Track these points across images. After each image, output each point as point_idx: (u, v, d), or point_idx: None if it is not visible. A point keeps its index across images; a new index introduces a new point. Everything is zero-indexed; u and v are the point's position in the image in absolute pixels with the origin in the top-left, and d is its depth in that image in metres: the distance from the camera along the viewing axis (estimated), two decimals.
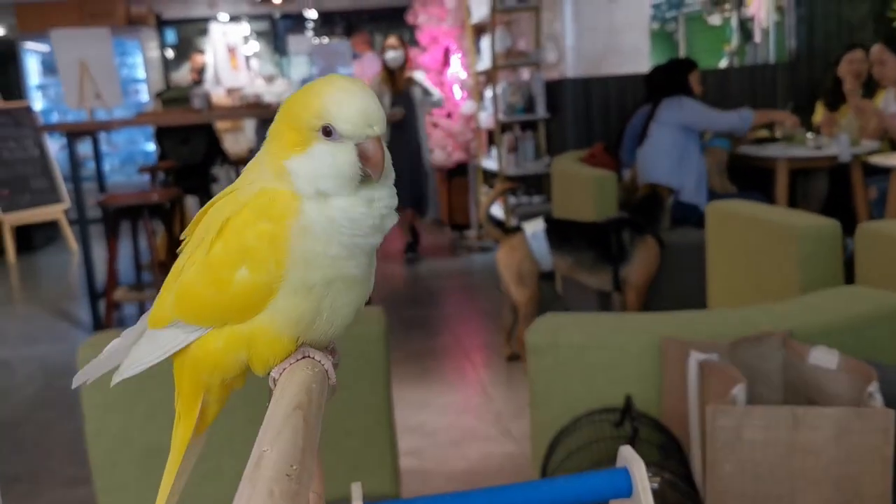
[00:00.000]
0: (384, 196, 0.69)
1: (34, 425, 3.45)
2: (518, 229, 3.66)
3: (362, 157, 0.67)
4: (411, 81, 5.90)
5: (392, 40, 5.79)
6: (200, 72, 9.08)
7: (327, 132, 0.66)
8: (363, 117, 0.66)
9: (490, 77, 5.96)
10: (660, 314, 1.90)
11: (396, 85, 5.82)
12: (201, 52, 9.60)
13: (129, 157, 10.65)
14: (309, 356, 0.69)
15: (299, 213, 0.67)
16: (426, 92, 6.00)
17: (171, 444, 0.74)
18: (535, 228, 3.58)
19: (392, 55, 5.76)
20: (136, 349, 0.74)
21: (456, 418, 3.26)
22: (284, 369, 0.68)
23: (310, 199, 0.67)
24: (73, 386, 0.78)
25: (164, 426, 1.76)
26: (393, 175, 0.71)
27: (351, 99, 0.66)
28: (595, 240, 3.62)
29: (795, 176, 4.56)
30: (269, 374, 0.70)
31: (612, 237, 3.59)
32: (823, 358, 1.50)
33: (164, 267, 4.67)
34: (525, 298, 3.59)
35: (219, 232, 0.69)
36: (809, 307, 1.85)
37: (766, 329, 1.67)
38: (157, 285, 4.34)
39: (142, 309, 4.84)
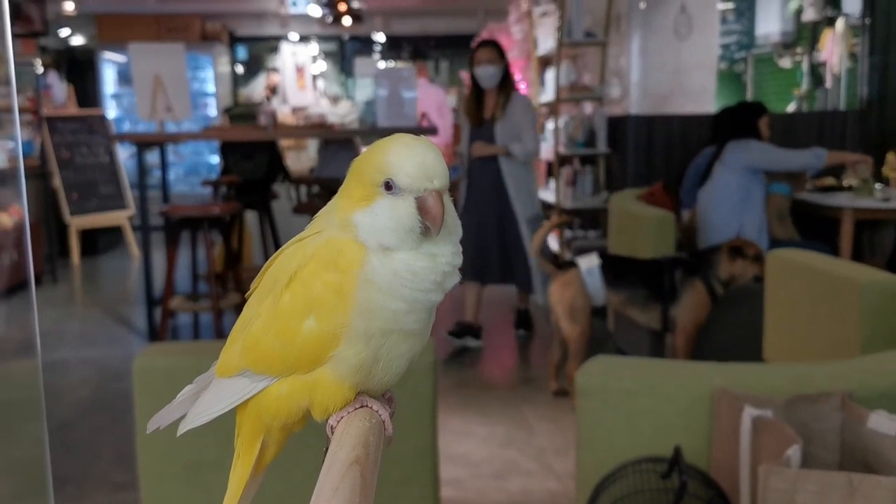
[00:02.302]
0: (446, 253, 0.70)
1: (86, 428, 3.52)
2: (572, 264, 3.64)
3: (421, 210, 0.68)
4: (521, 105, 4.55)
5: (485, 52, 4.51)
6: (274, 90, 9.28)
7: (388, 186, 0.68)
8: (422, 171, 0.68)
9: (553, 109, 5.96)
10: (713, 364, 1.86)
11: (486, 110, 4.57)
12: (276, 70, 9.80)
13: (194, 168, 10.91)
14: (367, 405, 0.70)
15: (365, 264, 0.68)
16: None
17: (228, 483, 0.75)
18: (590, 264, 3.55)
19: (483, 71, 4.50)
20: (204, 398, 0.75)
21: (498, 450, 3.23)
22: (342, 417, 0.69)
23: (375, 251, 0.69)
24: (147, 432, 0.80)
25: (210, 443, 1.79)
26: (459, 233, 0.72)
27: (410, 153, 0.68)
28: (648, 277, 3.58)
29: (862, 227, 4.45)
30: (327, 420, 0.70)
31: (665, 275, 3.54)
32: (884, 423, 1.45)
33: (219, 278, 4.76)
34: (576, 334, 3.56)
35: (287, 283, 0.70)
36: (871, 368, 1.79)
37: (824, 388, 1.62)
38: (211, 296, 4.42)
39: (196, 319, 4.93)
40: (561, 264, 3.72)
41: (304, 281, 0.69)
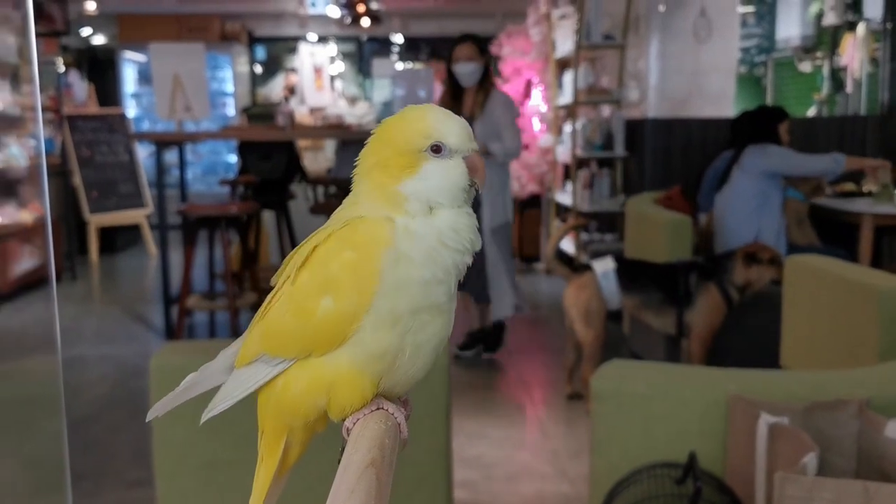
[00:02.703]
0: (472, 213, 0.72)
1: (103, 424, 3.55)
2: (587, 267, 3.63)
3: (470, 168, 0.71)
4: (501, 102, 4.26)
5: (465, 49, 4.20)
6: (292, 90, 9.31)
7: (436, 149, 0.70)
8: (466, 131, 0.71)
9: (570, 112, 5.95)
10: (729, 370, 1.85)
11: (464, 109, 4.27)
12: (295, 71, 9.84)
13: (212, 167, 10.97)
14: (383, 408, 0.70)
15: (392, 241, 0.68)
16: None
17: (253, 485, 0.75)
18: (605, 267, 3.54)
19: (463, 69, 4.21)
20: (224, 387, 0.75)
21: (512, 453, 3.23)
22: (358, 419, 0.69)
23: (414, 218, 0.69)
24: (147, 419, 0.80)
25: (226, 442, 1.79)
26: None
27: (451, 117, 0.71)
28: (663, 281, 3.57)
29: (881, 234, 4.41)
30: (343, 421, 0.70)
31: (680, 280, 3.53)
32: None
33: (236, 278, 4.78)
34: (591, 338, 3.55)
35: (304, 262, 0.70)
36: (889, 375, 1.78)
37: (841, 395, 1.61)
38: (228, 295, 4.44)
39: (212, 317, 4.96)
40: (576, 267, 3.71)
41: (321, 260, 0.69)
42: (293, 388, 0.71)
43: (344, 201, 0.74)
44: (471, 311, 4.50)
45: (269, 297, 0.75)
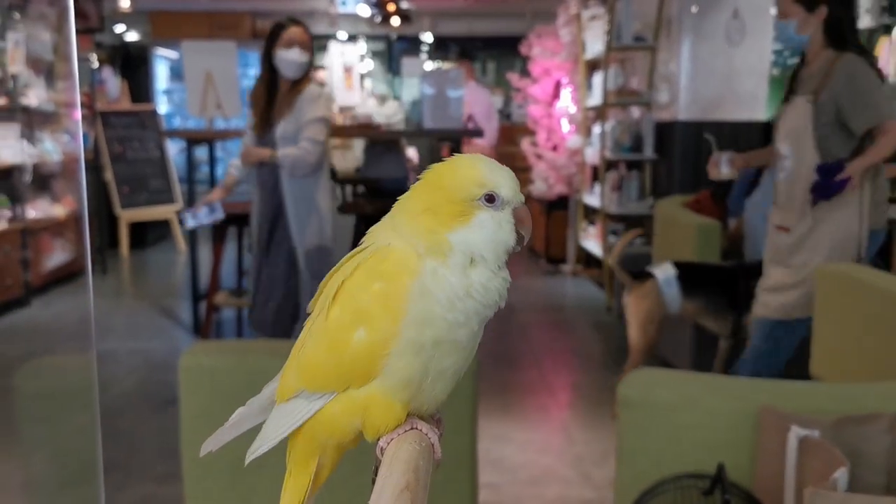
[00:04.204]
0: (507, 276, 0.72)
1: (131, 418, 3.59)
2: (648, 274, 3.56)
3: (518, 221, 0.71)
4: (309, 98, 3.49)
5: (299, 32, 3.51)
6: (321, 85, 9.30)
7: (490, 199, 0.70)
8: (516, 184, 0.71)
9: (600, 113, 5.92)
10: (759, 380, 1.83)
11: (276, 109, 3.52)
12: (323, 67, 9.82)
13: None
14: (417, 428, 0.70)
15: (420, 274, 0.68)
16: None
17: (280, 500, 0.76)
18: (666, 273, 3.50)
19: (293, 56, 3.46)
20: (267, 426, 0.76)
21: (536, 456, 3.22)
22: (392, 439, 0.69)
23: (449, 268, 0.69)
24: (201, 455, 0.81)
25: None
26: None
27: (502, 169, 0.71)
28: (725, 285, 3.52)
29: None
30: (377, 441, 0.71)
31: (741, 283, 3.48)
32: None
33: None
34: (642, 345, 3.51)
35: (335, 296, 0.71)
36: None
37: (873, 409, 1.59)
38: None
39: (240, 314, 5.00)
40: (636, 275, 3.62)
41: (350, 293, 0.70)
42: (328, 410, 0.72)
43: (382, 222, 0.74)
44: None
45: (305, 326, 0.75)
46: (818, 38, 2.82)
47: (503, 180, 0.70)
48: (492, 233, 0.70)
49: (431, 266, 0.69)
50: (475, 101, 7.54)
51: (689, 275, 3.53)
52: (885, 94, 2.75)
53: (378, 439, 0.71)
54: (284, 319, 3.59)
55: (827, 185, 2.71)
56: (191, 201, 4.90)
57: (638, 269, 3.68)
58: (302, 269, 3.56)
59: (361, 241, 0.75)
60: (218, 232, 4.53)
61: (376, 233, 0.74)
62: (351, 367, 0.69)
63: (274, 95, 3.53)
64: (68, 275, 6.30)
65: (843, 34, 2.77)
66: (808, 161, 2.78)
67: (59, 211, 6.22)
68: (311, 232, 3.55)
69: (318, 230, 3.56)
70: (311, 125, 3.45)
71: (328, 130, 3.57)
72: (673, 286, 3.47)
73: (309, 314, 0.76)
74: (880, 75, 2.77)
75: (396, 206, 0.73)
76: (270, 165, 3.50)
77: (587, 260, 6.74)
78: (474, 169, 0.70)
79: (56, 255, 6.16)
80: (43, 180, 6.24)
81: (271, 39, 3.51)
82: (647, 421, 1.73)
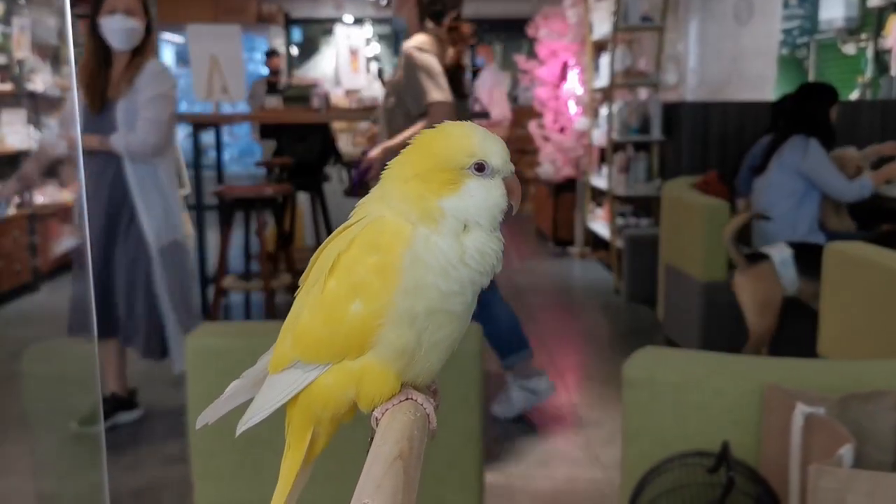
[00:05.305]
0: (502, 238, 0.72)
1: (139, 401, 3.61)
2: (763, 256, 3.46)
3: (508, 191, 0.71)
4: (150, 76, 3.17)
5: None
6: (276, 73, 9.14)
7: (480, 168, 0.70)
8: (507, 153, 0.72)
9: (607, 95, 5.89)
10: (764, 359, 1.83)
11: (111, 86, 3.18)
12: (276, 53, 9.58)
13: (248, 148, 11.05)
14: (412, 398, 0.71)
15: (412, 243, 0.68)
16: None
17: (279, 474, 0.76)
18: (782, 254, 3.42)
19: (118, 24, 3.11)
20: (260, 396, 0.76)
21: (544, 438, 3.23)
22: (387, 409, 0.69)
23: (442, 235, 0.69)
24: (196, 427, 0.81)
25: (262, 422, 1.82)
26: None
27: (494, 138, 0.72)
28: None
29: None
30: (372, 411, 0.71)
31: None
32: None
33: (271, 259, 4.83)
34: (763, 329, 3.39)
35: (331, 269, 0.71)
36: None
37: (879, 386, 1.58)
38: (263, 276, 4.48)
39: (248, 298, 5.02)
40: (750, 256, 3.49)
41: (346, 266, 0.70)
42: (322, 381, 0.72)
43: (371, 194, 0.74)
44: (112, 363, 3.34)
45: (297, 297, 0.75)
46: None
47: (494, 149, 0.70)
48: (483, 199, 0.70)
49: (424, 234, 0.69)
50: (495, 83, 7.50)
51: (805, 255, 3.41)
52: None
53: (373, 410, 0.71)
54: (145, 337, 3.25)
55: None
56: (198, 187, 4.91)
57: (751, 251, 3.55)
58: (156, 271, 3.19)
59: (351, 213, 0.74)
60: (225, 216, 4.54)
61: (367, 205, 0.74)
62: (347, 339, 0.70)
63: (108, 71, 3.17)
64: (77, 260, 6.32)
65: None
66: None
67: (66, 196, 6.24)
68: (165, 226, 3.23)
69: (170, 223, 3.25)
70: (149, 104, 3.13)
71: (172, 109, 3.21)
72: (789, 266, 3.37)
73: (300, 287, 0.76)
74: None
75: (386, 174, 0.73)
76: (105, 153, 3.13)
77: (595, 242, 6.73)
78: (465, 137, 0.70)
79: (64, 241, 6.19)
80: (50, 166, 6.25)
81: (95, 6, 3.13)
82: (651, 400, 1.73)
